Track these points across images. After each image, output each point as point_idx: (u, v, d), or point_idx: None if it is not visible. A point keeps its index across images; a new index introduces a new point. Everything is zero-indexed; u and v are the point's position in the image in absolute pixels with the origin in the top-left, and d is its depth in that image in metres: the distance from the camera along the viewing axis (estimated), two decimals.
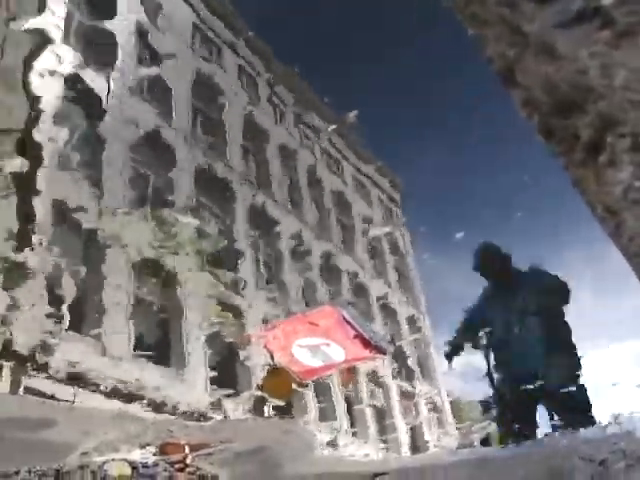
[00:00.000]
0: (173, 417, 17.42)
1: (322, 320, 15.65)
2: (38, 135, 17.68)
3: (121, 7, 23.91)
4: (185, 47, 27.18)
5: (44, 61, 18.97)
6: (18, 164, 16.44)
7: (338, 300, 25.62)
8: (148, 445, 8.78)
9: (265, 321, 23.90)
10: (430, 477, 8.38)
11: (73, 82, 20.12)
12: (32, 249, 15.88)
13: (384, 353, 17.84)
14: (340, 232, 34.81)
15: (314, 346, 14.93)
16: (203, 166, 24.70)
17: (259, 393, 20.61)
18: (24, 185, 16.60)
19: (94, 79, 21.03)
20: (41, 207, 16.88)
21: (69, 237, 18.22)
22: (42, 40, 19.13)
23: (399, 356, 32.68)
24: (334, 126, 36.87)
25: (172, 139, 23.70)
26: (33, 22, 18.90)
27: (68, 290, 17.38)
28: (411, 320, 37.42)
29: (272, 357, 16.00)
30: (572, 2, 1.44)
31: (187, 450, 8.73)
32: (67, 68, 19.75)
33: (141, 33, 24.83)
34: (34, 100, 18.25)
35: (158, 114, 23.68)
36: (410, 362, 34.19)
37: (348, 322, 15.56)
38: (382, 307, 34.79)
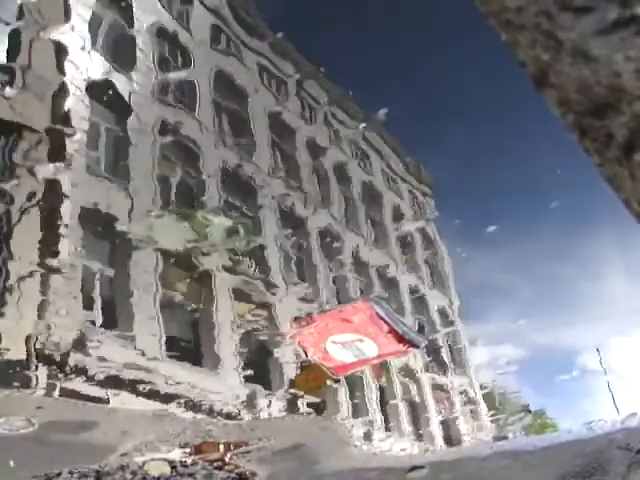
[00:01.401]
0: (209, 416, 17.56)
1: (355, 316, 15.71)
2: (67, 140, 17.84)
3: (142, 11, 24.02)
4: (208, 48, 27.25)
5: (71, 68, 19.14)
6: (51, 170, 16.60)
7: (371, 296, 25.57)
8: (187, 444, 8.87)
9: (297, 317, 23.98)
10: (466, 469, 8.41)
11: (100, 87, 20.29)
12: (60, 252, 16.03)
13: (418, 347, 17.86)
14: (370, 227, 34.72)
15: (347, 342, 14.98)
16: (231, 165, 24.76)
17: (293, 390, 20.68)
18: (55, 190, 16.76)
19: (121, 83, 21.19)
20: (71, 211, 17.02)
21: (100, 239, 18.37)
22: (68, 48, 19.31)
23: (432, 349, 32.58)
24: (364, 124, 36.84)
25: (200, 139, 23.79)
26: (59, 30, 19.08)
27: (100, 292, 17.56)
28: (443, 312, 37.26)
29: (306, 353, 16.10)
30: (609, 12, 1.47)
31: (225, 448, 8.81)
32: (94, 74, 19.92)
33: (164, 35, 24.94)
34: (63, 107, 18.44)
35: (185, 115, 23.78)
36: (443, 354, 34.08)
37: (381, 317, 15.61)
38: (414, 300, 34.68)
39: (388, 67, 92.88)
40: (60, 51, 19.10)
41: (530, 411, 43.26)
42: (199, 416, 17.33)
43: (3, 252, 15.09)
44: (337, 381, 21.00)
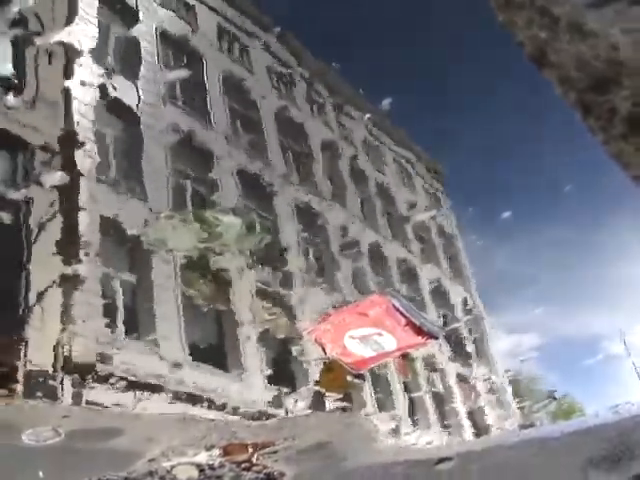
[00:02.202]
0: (235, 418, 17.58)
1: (372, 310, 15.69)
2: (77, 147, 17.93)
3: (145, 13, 24.10)
4: (214, 49, 27.31)
5: (78, 74, 19.22)
6: (58, 178, 16.67)
7: (387, 289, 25.53)
8: (213, 447, 8.90)
9: (317, 314, 23.97)
10: (493, 459, 8.40)
11: (107, 92, 20.37)
12: (80, 261, 16.12)
13: (436, 338, 17.85)
14: (386, 220, 34.67)
15: (366, 336, 14.96)
16: (244, 165, 24.80)
17: (317, 388, 20.68)
18: (68, 198, 16.84)
19: (128, 87, 21.27)
20: (86, 218, 17.10)
21: (116, 245, 18.45)
22: (73, 53, 19.37)
23: (454, 339, 32.51)
24: (368, 115, 36.83)
25: (210, 140, 23.85)
26: (64, 35, 19.14)
27: (120, 298, 17.65)
28: (464, 301, 37.20)
29: (324, 350, 16.11)
30: None
31: (252, 449, 8.83)
32: (100, 79, 19.99)
33: (167, 37, 25.02)
34: (71, 113, 18.52)
35: (194, 117, 23.84)
36: (466, 344, 33.98)
37: (398, 310, 15.58)
38: (433, 291, 34.60)
39: (393, 61, 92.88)
40: (68, 60, 19.21)
41: (556, 398, 43.10)
42: (225, 418, 17.42)
43: (24, 264, 15.22)
44: (360, 376, 20.99)
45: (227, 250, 19.94)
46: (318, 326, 16.44)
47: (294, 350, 21.89)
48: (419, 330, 15.35)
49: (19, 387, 13.22)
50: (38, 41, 18.19)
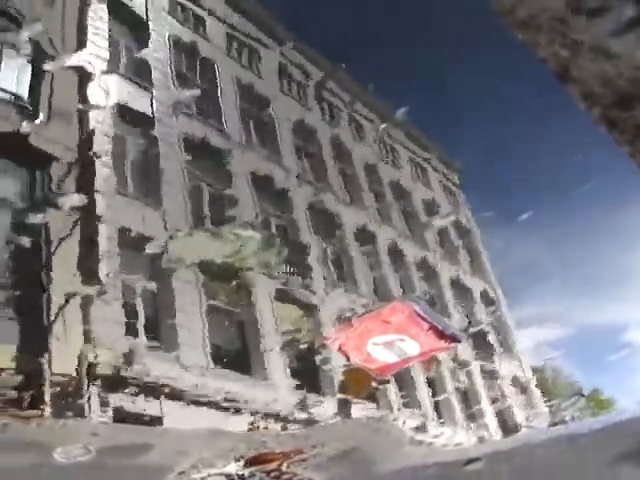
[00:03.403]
0: (262, 425, 17.65)
1: (394, 317, 15.77)
2: (95, 165, 18.08)
3: (155, 25, 24.29)
4: (224, 56, 27.45)
5: (92, 94, 19.38)
6: (76, 199, 16.80)
7: (408, 295, 25.53)
8: (242, 457, 8.96)
9: (339, 317, 24.04)
10: (522, 458, 8.41)
11: (123, 109, 20.55)
12: (100, 272, 16.27)
13: (459, 342, 17.91)
14: (404, 220, 34.68)
15: (389, 342, 15.05)
16: (259, 173, 24.89)
17: (342, 396, 20.72)
18: (86, 217, 16.98)
19: (142, 102, 21.44)
20: (106, 236, 17.22)
21: (136, 258, 18.55)
22: (87, 74, 19.56)
23: (478, 337, 32.39)
24: (384, 125, 36.85)
25: (225, 150, 23.98)
26: (76, 58, 19.32)
27: (142, 306, 17.79)
28: (485, 299, 37.06)
29: (348, 358, 16.21)
30: (622, 13, 1.50)
31: (281, 458, 8.89)
32: (114, 98, 20.15)
33: (179, 46, 25.19)
34: (87, 125, 18.70)
35: (208, 123, 23.96)
36: (490, 341, 33.83)
37: (420, 315, 15.65)
38: (454, 289, 34.53)
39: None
40: (82, 76, 19.40)
41: (584, 395, 42.81)
42: (250, 422, 17.51)
43: (45, 277, 15.37)
44: (386, 382, 21.05)
45: (247, 264, 20.01)
46: (341, 334, 16.53)
47: (318, 360, 21.91)
48: (442, 334, 15.42)
49: (47, 402, 13.37)
50: (51, 65, 18.37)
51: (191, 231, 19.75)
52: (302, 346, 21.99)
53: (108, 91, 20.11)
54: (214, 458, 8.90)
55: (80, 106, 18.79)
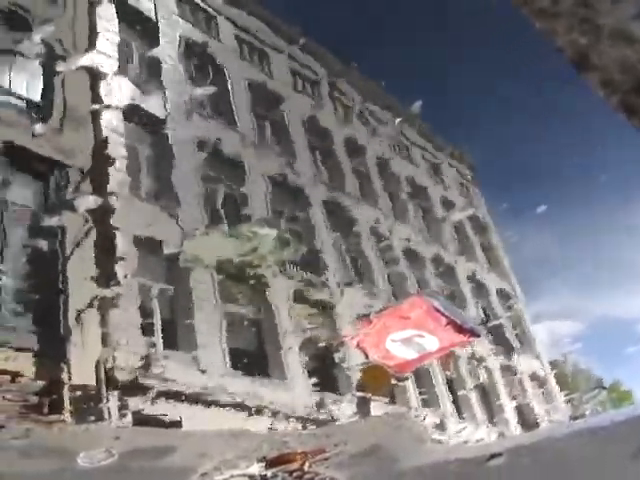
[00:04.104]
0: (280, 423, 17.68)
1: (412, 312, 15.77)
2: (108, 167, 18.14)
3: (165, 27, 24.35)
4: (235, 55, 27.50)
5: (103, 96, 19.44)
6: (92, 201, 16.88)
7: (426, 290, 25.49)
8: (265, 458, 8.99)
9: (357, 316, 24.05)
10: (544, 452, 8.40)
11: (134, 110, 20.61)
12: (117, 276, 16.32)
13: (478, 336, 17.90)
14: (419, 217, 34.66)
15: (407, 339, 15.05)
16: (273, 173, 24.93)
17: (360, 394, 20.72)
18: (102, 220, 17.05)
19: (153, 103, 21.49)
20: (122, 238, 17.28)
21: (153, 260, 18.60)
22: (98, 76, 19.62)
23: (496, 331, 32.32)
24: (399, 119, 36.82)
25: (239, 150, 24.02)
26: (86, 59, 19.39)
27: (158, 310, 17.84)
28: (502, 294, 36.98)
29: (366, 355, 16.23)
30: None
31: (303, 458, 8.91)
32: (125, 99, 20.20)
33: (190, 47, 25.26)
34: (100, 130, 18.75)
35: (221, 124, 24.00)
36: (508, 336, 33.75)
37: (438, 310, 15.64)
38: (471, 284, 34.48)
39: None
40: (93, 79, 19.46)
41: (605, 387, 42.62)
42: (270, 422, 17.54)
43: (61, 283, 15.45)
44: (405, 379, 21.04)
45: (264, 263, 20.03)
46: (359, 332, 16.56)
47: (336, 357, 21.92)
48: (461, 328, 15.41)
49: (67, 408, 13.44)
50: (62, 67, 18.45)
51: (208, 230, 19.79)
52: (320, 344, 22.01)
53: (120, 92, 20.19)
54: (236, 459, 8.93)
55: (93, 107, 18.85)
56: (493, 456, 8.01)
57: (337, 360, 21.85)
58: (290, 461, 8.82)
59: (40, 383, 13.48)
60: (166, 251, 18.53)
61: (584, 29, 1.58)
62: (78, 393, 13.98)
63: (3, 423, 9.68)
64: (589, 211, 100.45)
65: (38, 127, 17.03)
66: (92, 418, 13.73)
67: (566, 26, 1.64)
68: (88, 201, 16.74)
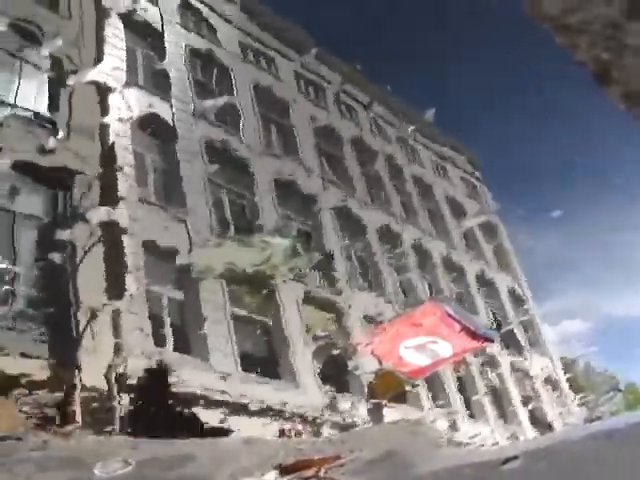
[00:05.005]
0: (292, 429, 17.69)
1: (425, 319, 15.83)
2: (116, 170, 18.24)
3: (171, 34, 24.45)
4: (240, 60, 27.60)
5: (112, 108, 19.53)
6: (104, 214, 16.96)
7: (439, 296, 25.50)
8: (280, 465, 9.01)
9: (367, 318, 24.13)
10: (559, 455, 8.37)
11: (144, 120, 20.72)
12: (127, 283, 16.40)
13: (492, 342, 17.94)
14: (427, 218, 34.66)
15: (420, 345, 15.11)
16: (282, 178, 24.99)
17: (373, 400, 20.73)
18: (112, 231, 17.14)
19: (162, 106, 21.62)
20: (130, 240, 17.36)
21: (165, 262, 18.69)
22: (106, 88, 19.72)
23: (508, 334, 32.28)
24: (412, 127, 36.98)
25: (247, 156, 24.15)
26: (94, 73, 19.49)
27: (168, 315, 17.90)
28: (512, 294, 36.93)
29: (380, 362, 16.30)
30: None
31: (318, 464, 8.92)
32: (135, 111, 20.28)
33: (195, 53, 25.37)
34: (108, 137, 18.84)
35: (227, 129, 24.07)
36: (519, 337, 33.66)
37: (452, 317, 15.68)
38: (481, 285, 34.44)
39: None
40: (100, 88, 19.55)
41: (620, 390, 42.45)
42: (282, 425, 17.55)
43: (72, 290, 15.52)
44: (415, 385, 21.06)
45: (276, 272, 20.09)
46: (373, 339, 16.63)
47: (349, 365, 21.93)
48: (474, 334, 15.45)
49: (79, 414, 13.52)
50: (70, 81, 18.54)
51: (220, 240, 19.84)
52: (334, 352, 22.03)
53: (128, 104, 20.30)
54: (252, 467, 8.96)
55: (102, 120, 18.94)
56: (508, 460, 8.00)
57: (350, 367, 21.85)
58: (305, 468, 8.83)
59: (57, 395, 13.57)
60: (179, 261, 18.57)
61: (608, 46, 1.60)
62: (90, 399, 14.06)
63: (20, 435, 9.75)
64: (594, 211, 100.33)
65: (52, 141, 17.16)
66: (103, 424, 13.84)
67: (590, 42, 1.66)
68: (100, 213, 16.82)
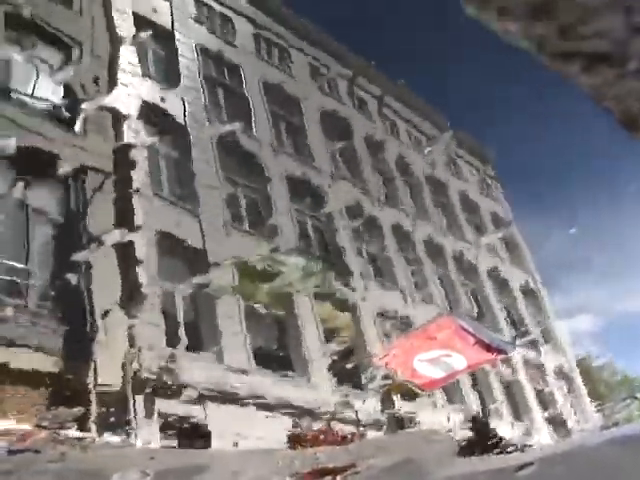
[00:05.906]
0: (304, 424, 17.66)
1: (440, 333, 15.97)
2: (130, 166, 18.30)
3: (181, 32, 24.51)
4: (252, 56, 27.68)
5: (126, 136, 19.50)
6: (118, 236, 16.96)
7: (455, 311, 25.53)
8: (297, 474, 9.06)
9: (380, 314, 24.15)
10: (575, 461, 8.38)
11: (155, 112, 20.87)
12: (140, 277, 16.47)
13: (506, 354, 18.00)
14: (440, 214, 34.60)
15: (434, 359, 15.25)
16: (294, 175, 25.11)
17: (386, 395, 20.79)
18: (124, 216, 17.20)
19: (174, 106, 21.74)
20: (143, 235, 17.44)
21: (175, 258, 18.79)
22: (120, 115, 19.69)
23: (521, 333, 32.14)
24: (416, 110, 36.92)
25: (257, 148, 24.28)
26: (109, 100, 19.51)
27: (182, 311, 17.97)
28: (525, 290, 36.77)
29: (395, 374, 16.46)
30: None
31: (335, 473, 8.96)
32: (148, 140, 20.18)
33: (206, 51, 25.46)
34: (122, 133, 18.90)
35: (243, 131, 24.10)
36: (533, 334, 33.44)
37: (466, 330, 15.82)
38: (494, 280, 34.31)
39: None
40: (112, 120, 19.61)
41: (637, 397, 42.23)
42: (294, 421, 17.55)
43: (86, 290, 15.59)
44: (429, 395, 21.17)
45: (292, 289, 20.16)
46: (388, 352, 16.79)
47: (364, 377, 21.92)
48: (489, 347, 15.55)
49: (94, 414, 13.62)
50: (86, 105, 18.50)
51: (236, 259, 19.78)
52: (348, 360, 22.04)
53: (141, 96, 20.35)
54: (270, 475, 9.01)
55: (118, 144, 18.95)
56: (524, 466, 8.03)
57: (365, 380, 21.82)
58: (322, 476, 8.88)
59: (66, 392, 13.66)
60: (196, 281, 18.54)
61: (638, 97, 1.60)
62: (105, 398, 14.16)
63: (39, 447, 9.84)
64: (595, 211, 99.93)
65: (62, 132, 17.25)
66: (115, 415, 13.95)
67: (618, 94, 1.65)
68: (115, 236, 16.77)
